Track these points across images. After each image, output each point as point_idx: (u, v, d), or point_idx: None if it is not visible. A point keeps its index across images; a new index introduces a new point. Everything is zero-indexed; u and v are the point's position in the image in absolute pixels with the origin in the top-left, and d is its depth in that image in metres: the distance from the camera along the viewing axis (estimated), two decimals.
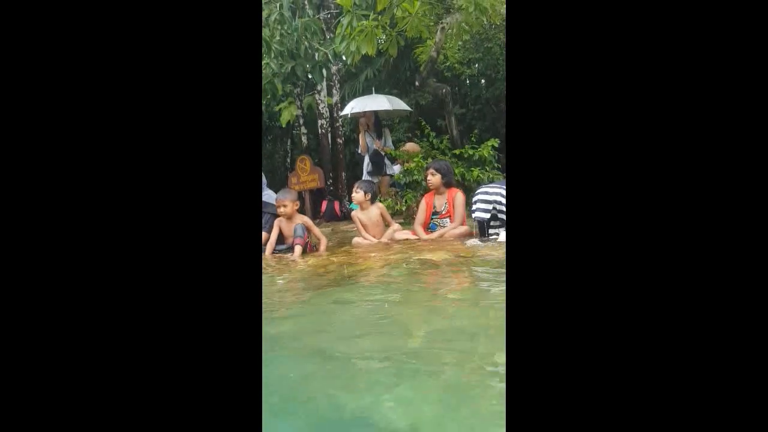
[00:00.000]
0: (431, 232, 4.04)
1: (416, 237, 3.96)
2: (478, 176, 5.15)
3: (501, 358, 1.23)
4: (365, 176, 5.80)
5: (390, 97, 6.18)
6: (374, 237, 4.04)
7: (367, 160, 5.92)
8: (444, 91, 5.79)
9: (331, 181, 6.73)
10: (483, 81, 7.28)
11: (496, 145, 5.34)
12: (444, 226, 4.02)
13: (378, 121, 5.94)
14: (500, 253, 3.02)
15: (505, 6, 4.97)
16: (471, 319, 1.77)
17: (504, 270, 2.55)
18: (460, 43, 6.44)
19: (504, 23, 6.54)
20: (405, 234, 4.04)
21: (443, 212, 4.07)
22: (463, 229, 3.93)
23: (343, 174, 6.74)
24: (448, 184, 4.07)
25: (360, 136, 5.93)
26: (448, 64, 7.02)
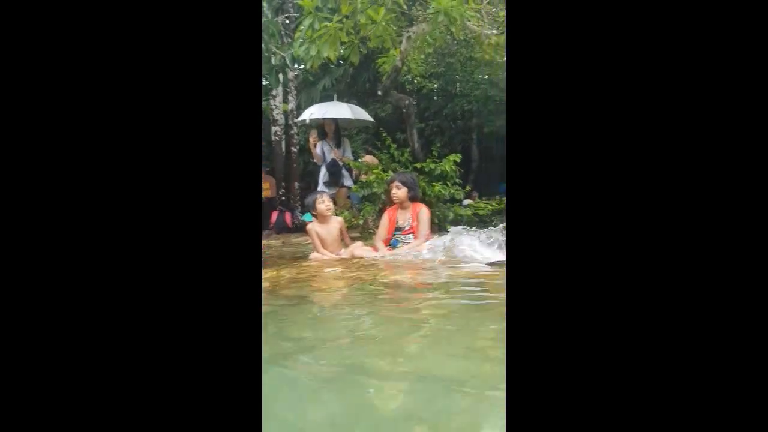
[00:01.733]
0: (393, 248, 3.94)
1: (378, 253, 3.84)
2: (439, 191, 5.13)
3: None
4: (321, 187, 5.64)
5: (352, 105, 6.09)
6: (332, 253, 3.89)
7: (323, 170, 5.77)
8: (407, 102, 5.77)
9: (283, 190, 6.52)
10: (437, 97, 7.36)
11: (458, 160, 5.34)
12: (407, 243, 3.93)
13: (338, 130, 5.82)
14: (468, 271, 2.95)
15: (469, 20, 5.03)
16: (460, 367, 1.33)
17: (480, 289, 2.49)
18: (422, 56, 6.47)
19: (466, 40, 6.65)
20: (366, 249, 3.91)
21: (406, 228, 3.98)
22: (427, 246, 3.85)
23: (296, 184, 6.56)
24: (413, 198, 3.99)
25: (310, 145, 5.76)
26: (410, 76, 7.04)
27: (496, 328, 1.58)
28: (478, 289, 2.49)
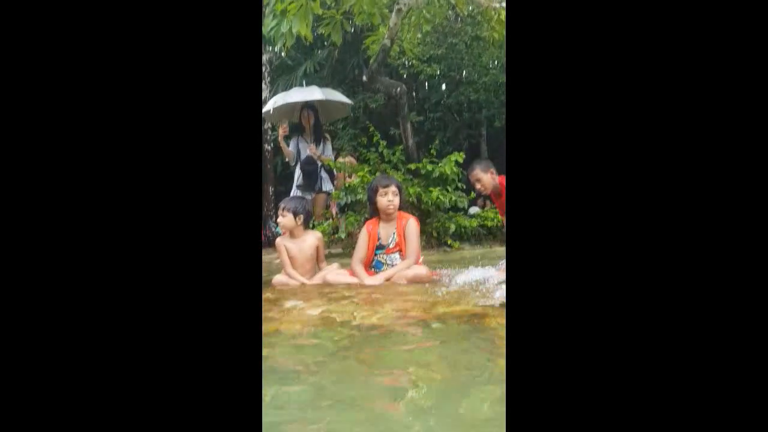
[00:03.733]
0: (375, 272, 3.17)
1: (355, 279, 3.07)
2: (438, 198, 4.36)
3: None
4: (294, 191, 4.87)
5: (324, 88, 5.29)
6: (303, 275, 3.14)
7: (297, 170, 4.97)
8: (399, 90, 4.99)
9: None
10: (445, 84, 6.58)
11: (461, 161, 4.58)
12: (392, 264, 3.16)
13: (317, 123, 5.02)
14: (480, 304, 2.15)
15: None
16: None
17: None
18: (419, 35, 5.70)
19: (472, 16, 5.88)
20: (341, 275, 3.14)
21: (391, 245, 3.21)
22: (419, 270, 3.07)
23: (271, 189, 5.81)
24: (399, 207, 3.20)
25: (280, 139, 4.96)
26: (404, 60, 6.24)
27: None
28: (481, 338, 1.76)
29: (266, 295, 2.92)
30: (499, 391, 1.16)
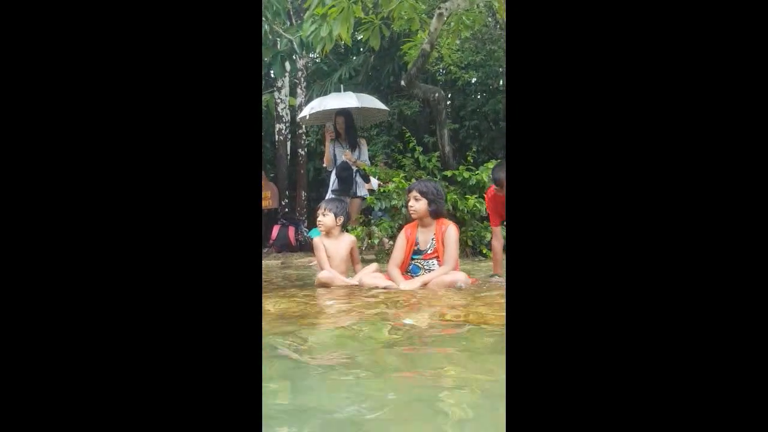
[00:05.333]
0: (412, 276, 3.22)
1: (391, 283, 3.12)
2: (474, 206, 4.40)
3: None
4: (329, 196, 4.97)
5: (360, 94, 5.40)
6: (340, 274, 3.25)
7: (333, 175, 5.09)
8: (437, 96, 5.07)
9: (286, 201, 5.89)
10: (481, 93, 6.62)
11: None
12: (429, 270, 3.20)
13: (351, 128, 5.13)
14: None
15: None
16: None
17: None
18: (458, 41, 5.77)
19: None
20: (378, 277, 3.21)
21: (429, 251, 3.27)
22: (457, 275, 3.12)
23: (303, 193, 5.93)
24: (436, 213, 3.28)
25: (326, 145, 5.09)
26: (442, 65, 6.32)
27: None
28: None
29: (304, 292, 3.01)
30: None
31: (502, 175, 3.29)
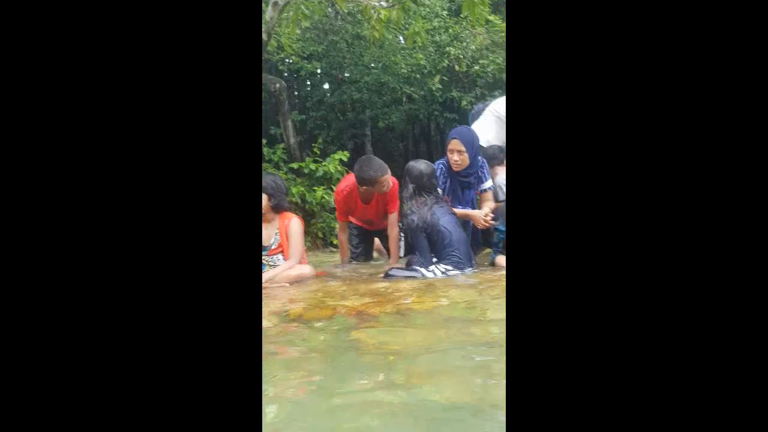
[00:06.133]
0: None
1: None
2: (322, 197, 4.43)
3: None
4: None
5: None
6: None
7: None
8: (278, 86, 4.99)
9: None
10: (327, 84, 6.65)
11: (345, 159, 4.68)
12: (274, 265, 3.16)
13: None
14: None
15: None
16: None
17: None
18: (298, 31, 5.72)
19: (352, 14, 6.02)
20: None
21: (273, 246, 3.22)
22: (304, 269, 3.11)
23: None
24: (278, 207, 3.24)
25: None
26: (283, 55, 6.23)
27: None
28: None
29: None
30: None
31: (373, 173, 3.34)
